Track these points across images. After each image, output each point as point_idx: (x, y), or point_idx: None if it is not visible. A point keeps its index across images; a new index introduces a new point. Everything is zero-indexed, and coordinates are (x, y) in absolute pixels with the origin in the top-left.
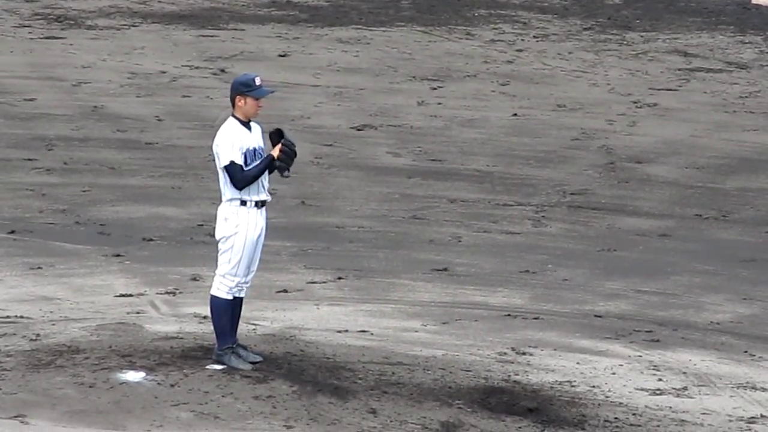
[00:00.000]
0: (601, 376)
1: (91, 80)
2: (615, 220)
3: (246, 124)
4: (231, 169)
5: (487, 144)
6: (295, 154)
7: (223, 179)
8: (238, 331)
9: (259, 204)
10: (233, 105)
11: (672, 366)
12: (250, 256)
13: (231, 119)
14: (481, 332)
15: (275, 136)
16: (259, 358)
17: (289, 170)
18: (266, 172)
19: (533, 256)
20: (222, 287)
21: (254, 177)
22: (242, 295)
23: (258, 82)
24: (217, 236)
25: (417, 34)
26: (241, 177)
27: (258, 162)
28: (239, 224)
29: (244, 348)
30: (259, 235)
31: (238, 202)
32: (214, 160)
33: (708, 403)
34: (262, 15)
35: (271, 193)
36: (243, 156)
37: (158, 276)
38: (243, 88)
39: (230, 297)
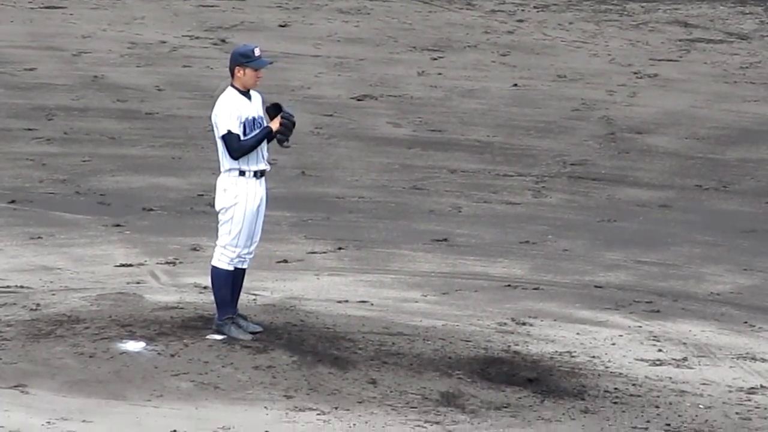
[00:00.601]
0: (601, 346)
1: (91, 50)
2: (615, 190)
3: (246, 93)
4: (228, 138)
5: (488, 114)
6: (294, 125)
7: (222, 149)
8: (239, 301)
9: (258, 174)
10: (232, 76)
11: (672, 336)
12: (251, 226)
13: (230, 89)
14: (481, 303)
15: (272, 110)
16: (259, 328)
17: (288, 141)
18: (264, 142)
19: (533, 227)
20: (223, 258)
21: (251, 147)
22: (244, 266)
23: (257, 53)
24: (217, 207)
25: (417, 5)
26: (237, 146)
27: (257, 132)
28: (238, 194)
29: (244, 318)
30: (259, 206)
31: (237, 172)
32: (213, 130)
33: (708, 373)
34: None
35: (270, 163)
36: (242, 125)
37: (158, 246)
38: (242, 59)
39: (231, 268)
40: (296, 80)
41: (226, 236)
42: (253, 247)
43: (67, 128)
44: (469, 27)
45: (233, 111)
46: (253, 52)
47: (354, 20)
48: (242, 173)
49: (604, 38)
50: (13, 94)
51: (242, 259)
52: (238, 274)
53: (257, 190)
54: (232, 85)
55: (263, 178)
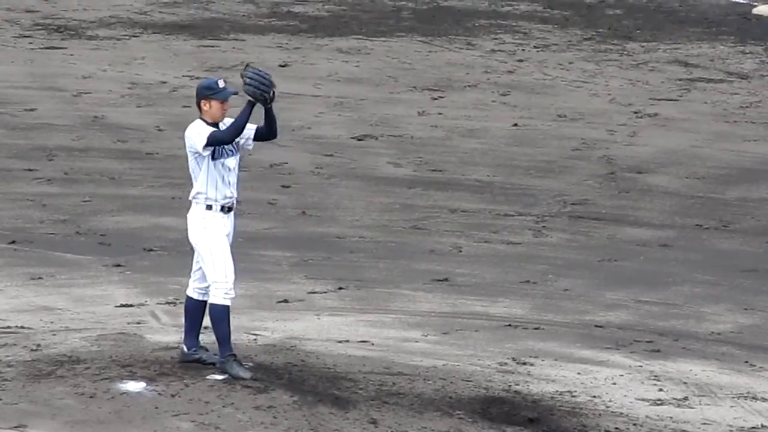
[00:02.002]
0: (602, 386)
1: (91, 90)
2: (616, 230)
3: (215, 126)
4: (211, 139)
5: (488, 154)
6: (264, 77)
7: (193, 170)
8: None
9: (225, 209)
10: (200, 110)
11: (673, 376)
12: (229, 259)
13: (199, 121)
14: (482, 342)
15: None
16: (215, 359)
17: (266, 93)
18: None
19: (534, 266)
20: (217, 293)
21: (238, 126)
22: (229, 302)
23: (221, 84)
24: (192, 241)
25: (417, 44)
26: (222, 134)
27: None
28: (207, 226)
29: (205, 350)
30: (228, 234)
31: (203, 206)
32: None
33: (709, 413)
34: (263, 25)
35: (237, 201)
36: (212, 150)
37: (159, 286)
38: (206, 92)
39: (227, 302)
40: (296, 120)
41: (212, 271)
42: (233, 285)
43: (67, 168)
44: (470, 66)
45: (203, 130)
46: (217, 84)
47: (354, 60)
48: (209, 207)
49: (604, 78)
50: (13, 134)
51: (232, 295)
52: (200, 306)
53: (224, 222)
54: (201, 118)
55: (231, 214)
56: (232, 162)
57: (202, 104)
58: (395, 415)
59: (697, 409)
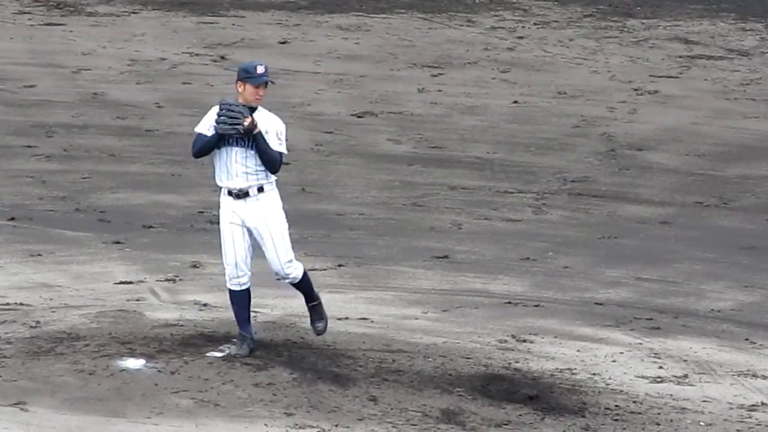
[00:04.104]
0: (602, 363)
1: (91, 67)
2: (616, 207)
3: (250, 109)
4: (195, 136)
5: (488, 131)
6: (233, 111)
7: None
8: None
9: (233, 193)
10: (236, 90)
11: (673, 353)
12: (232, 246)
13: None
14: (482, 320)
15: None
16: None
17: (236, 126)
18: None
19: (534, 244)
20: (226, 277)
21: (203, 145)
22: (235, 288)
23: (260, 70)
24: None
25: (417, 21)
26: (195, 142)
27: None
28: (221, 212)
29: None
30: (241, 226)
31: (219, 188)
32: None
33: (709, 390)
34: (262, 2)
35: (243, 190)
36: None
37: (158, 263)
38: (243, 74)
39: (234, 288)
40: (296, 97)
41: (222, 257)
42: (242, 274)
43: (66, 145)
44: (470, 44)
45: (204, 122)
46: (255, 69)
47: (354, 37)
48: (220, 188)
49: (604, 55)
50: (12, 111)
51: (237, 282)
52: (242, 296)
53: (234, 208)
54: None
55: (245, 200)
56: (238, 152)
57: (237, 85)
58: (395, 392)
59: (697, 386)
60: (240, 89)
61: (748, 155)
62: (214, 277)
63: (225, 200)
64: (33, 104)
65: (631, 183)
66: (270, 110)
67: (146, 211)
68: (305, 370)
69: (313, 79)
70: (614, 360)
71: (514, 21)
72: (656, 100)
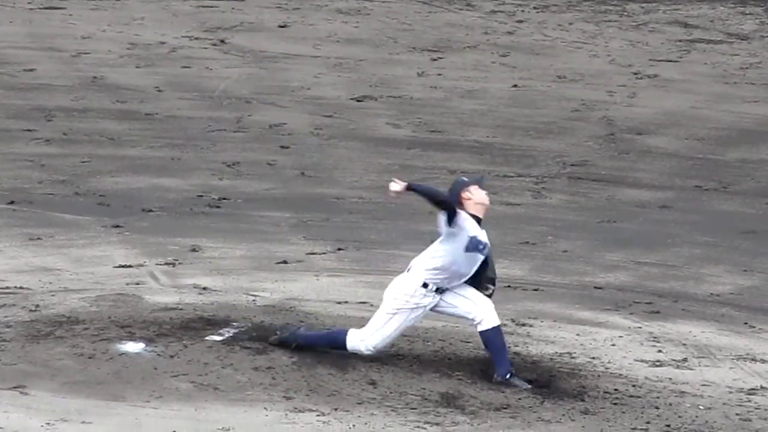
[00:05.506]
0: (601, 347)
1: (90, 51)
2: (615, 191)
3: (476, 219)
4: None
5: (487, 115)
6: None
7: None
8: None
9: (439, 290)
10: (459, 203)
11: (672, 337)
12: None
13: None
14: None
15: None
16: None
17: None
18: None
19: (533, 228)
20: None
21: (432, 192)
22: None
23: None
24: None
25: (417, 5)
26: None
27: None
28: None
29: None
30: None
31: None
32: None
33: (708, 374)
34: None
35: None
36: (469, 239)
37: (158, 247)
38: (465, 183)
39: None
40: (296, 81)
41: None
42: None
43: (66, 129)
44: (469, 28)
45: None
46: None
47: (353, 21)
48: (425, 285)
49: (604, 39)
50: (12, 94)
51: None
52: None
53: (422, 301)
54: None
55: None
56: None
57: (461, 193)
58: (394, 376)
59: (696, 370)
60: (465, 196)
61: (747, 139)
62: (214, 260)
63: (426, 294)
64: (32, 88)
65: (630, 167)
66: (269, 94)
67: (146, 194)
68: (305, 354)
69: (313, 63)
70: (613, 344)
71: (513, 5)
72: (656, 84)
